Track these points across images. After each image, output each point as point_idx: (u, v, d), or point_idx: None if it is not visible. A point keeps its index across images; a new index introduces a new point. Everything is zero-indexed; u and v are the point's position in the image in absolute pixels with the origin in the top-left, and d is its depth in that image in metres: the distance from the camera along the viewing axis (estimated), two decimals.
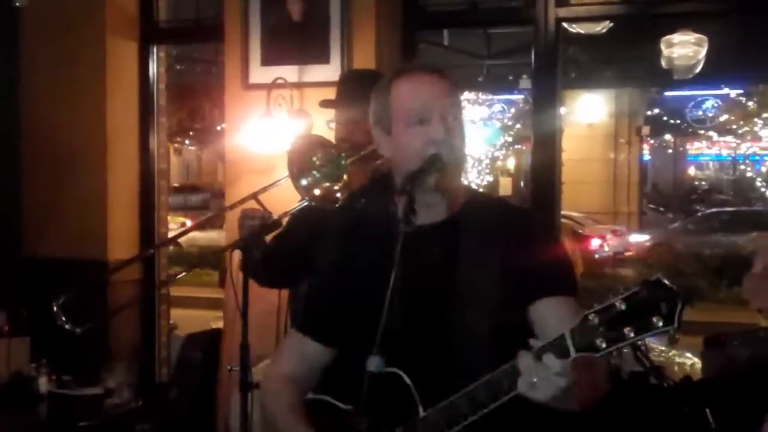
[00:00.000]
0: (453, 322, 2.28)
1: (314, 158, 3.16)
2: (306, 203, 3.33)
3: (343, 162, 3.11)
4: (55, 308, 3.63)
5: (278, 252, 3.55)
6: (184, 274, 3.95)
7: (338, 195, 3.09)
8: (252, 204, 3.55)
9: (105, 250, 5.71)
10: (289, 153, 3.26)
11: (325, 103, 3.72)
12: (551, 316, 2.26)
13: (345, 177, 3.08)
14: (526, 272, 2.28)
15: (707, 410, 3.54)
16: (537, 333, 2.18)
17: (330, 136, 3.57)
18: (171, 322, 6.37)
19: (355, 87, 3.60)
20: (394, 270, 2.11)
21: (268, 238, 3.58)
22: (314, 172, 3.16)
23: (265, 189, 3.72)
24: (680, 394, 3.58)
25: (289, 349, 2.59)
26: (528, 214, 2.54)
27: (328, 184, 3.13)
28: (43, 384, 4.78)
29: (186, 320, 8.23)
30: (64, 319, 3.60)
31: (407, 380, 2.20)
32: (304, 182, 3.18)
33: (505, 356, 2.07)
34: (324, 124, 4.96)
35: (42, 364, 4.85)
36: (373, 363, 2.08)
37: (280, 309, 4.83)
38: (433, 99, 2.34)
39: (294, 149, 3.26)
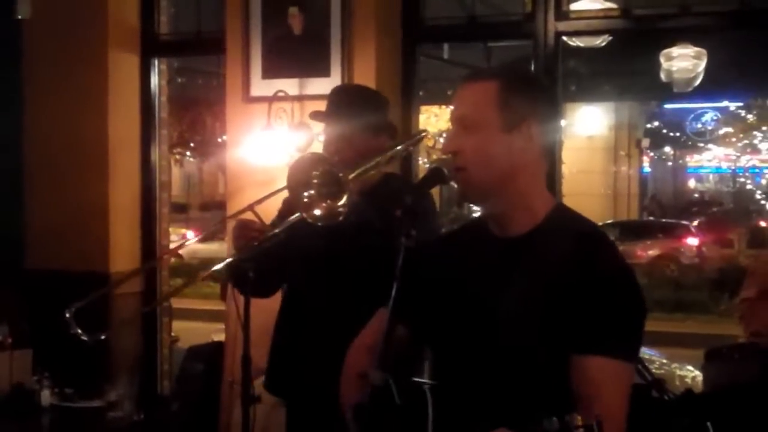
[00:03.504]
0: (490, 346, 2.23)
1: (312, 177, 3.16)
2: (297, 219, 3.33)
3: (342, 178, 3.11)
4: (67, 316, 3.65)
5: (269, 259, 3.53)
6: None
7: (341, 211, 3.09)
8: (249, 216, 3.56)
9: (107, 263, 5.72)
10: (288, 173, 3.27)
11: (315, 115, 3.73)
12: (580, 374, 2.12)
13: (346, 194, 3.07)
14: (574, 318, 2.14)
15: (708, 423, 3.54)
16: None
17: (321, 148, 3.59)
18: (173, 334, 6.37)
19: (344, 102, 3.61)
20: (395, 283, 2.13)
21: None
22: (312, 192, 3.16)
23: (261, 200, 3.73)
24: (681, 407, 3.58)
25: (374, 322, 2.50)
26: (605, 255, 2.25)
27: (328, 202, 3.12)
28: (46, 397, 4.77)
29: (188, 333, 8.23)
30: (77, 329, 3.61)
31: (429, 398, 2.17)
32: (303, 201, 3.17)
33: (537, 395, 2.07)
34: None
35: (44, 376, 4.85)
36: (375, 376, 2.08)
37: None
38: (453, 109, 2.33)
39: (292, 168, 3.27)
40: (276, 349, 3.73)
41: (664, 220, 25.15)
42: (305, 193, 3.15)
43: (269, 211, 3.90)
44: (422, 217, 2.37)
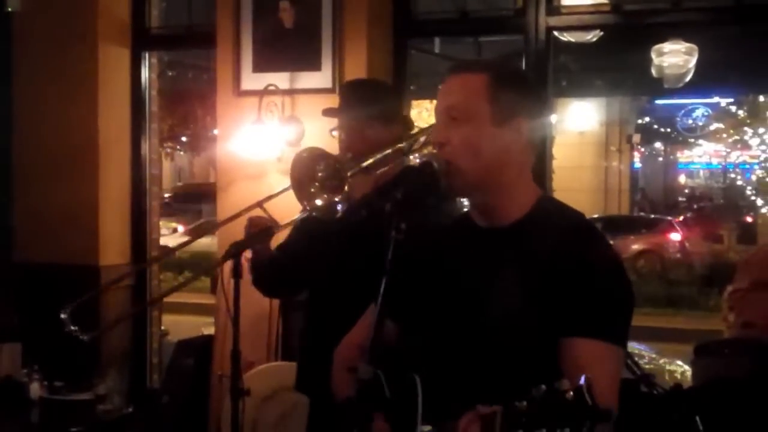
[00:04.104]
0: (478, 335, 2.23)
1: (318, 170, 3.20)
2: (306, 213, 3.38)
3: (344, 174, 3.14)
4: (63, 317, 3.67)
5: (282, 261, 3.58)
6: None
7: (338, 207, 3.12)
8: (258, 212, 3.59)
9: (97, 256, 5.71)
10: (293, 165, 3.29)
11: (328, 112, 3.73)
12: (567, 357, 2.12)
13: (345, 188, 3.11)
14: (561, 304, 2.14)
15: (697, 418, 3.55)
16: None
17: (332, 144, 3.59)
18: (162, 328, 6.37)
19: (354, 95, 3.62)
20: (385, 274, 2.13)
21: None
22: (317, 184, 3.20)
23: (269, 198, 3.76)
24: (670, 401, 3.59)
25: (364, 320, 2.52)
26: (590, 240, 2.26)
27: (329, 195, 3.16)
28: (35, 389, 4.77)
29: (177, 326, 8.22)
30: (73, 327, 3.63)
31: (419, 389, 2.16)
32: (306, 193, 3.21)
33: (526, 382, 2.04)
34: (316, 131, 5.01)
35: (34, 369, 4.85)
36: (363, 370, 2.08)
37: (272, 316, 4.86)
38: (440, 100, 2.32)
39: (297, 161, 3.29)
40: (303, 349, 3.76)
41: (652, 215, 25.17)
42: (309, 187, 3.19)
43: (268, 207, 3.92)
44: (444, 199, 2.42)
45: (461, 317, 2.27)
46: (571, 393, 1.65)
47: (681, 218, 23.30)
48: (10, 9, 5.68)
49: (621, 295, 2.20)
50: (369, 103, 3.51)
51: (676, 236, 20.42)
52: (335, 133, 3.61)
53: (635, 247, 19.86)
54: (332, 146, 3.55)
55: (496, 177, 2.27)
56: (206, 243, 19.61)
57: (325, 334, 3.54)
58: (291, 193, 3.51)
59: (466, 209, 2.47)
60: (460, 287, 2.30)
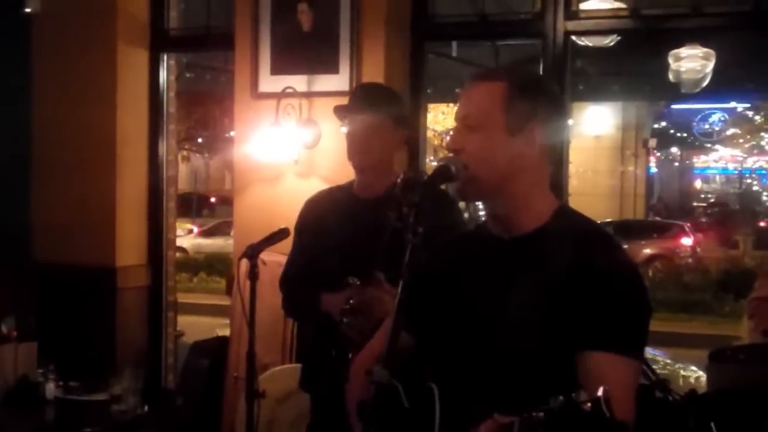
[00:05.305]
0: (495, 345, 2.22)
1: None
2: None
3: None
4: None
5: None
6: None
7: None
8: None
9: (113, 257, 5.73)
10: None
11: (339, 109, 3.74)
12: (585, 370, 2.11)
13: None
14: (579, 315, 2.13)
15: (712, 424, 3.54)
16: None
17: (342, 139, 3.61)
18: (178, 329, 6.38)
19: (370, 95, 3.65)
20: (402, 280, 2.13)
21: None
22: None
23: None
24: (686, 407, 3.58)
25: (383, 330, 2.49)
26: (608, 252, 2.24)
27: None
28: (50, 389, 4.79)
29: (193, 327, 8.24)
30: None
31: (436, 397, 2.17)
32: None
33: (544, 393, 2.03)
34: (333, 134, 5.01)
35: (49, 369, 4.86)
36: (378, 374, 2.08)
37: (287, 318, 4.86)
38: (458, 108, 2.32)
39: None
40: (310, 350, 3.78)
41: (666, 220, 25.12)
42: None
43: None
44: (448, 206, 2.41)
45: (478, 326, 2.26)
46: (589, 405, 1.65)
47: (693, 223, 23.24)
48: (29, 10, 5.70)
49: (638, 308, 2.19)
50: (378, 104, 3.55)
51: (687, 241, 20.37)
52: (344, 129, 3.64)
53: (647, 251, 19.79)
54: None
55: (511, 184, 2.27)
56: (221, 244, 19.68)
57: (330, 335, 3.55)
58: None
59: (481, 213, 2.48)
60: (476, 296, 2.28)
